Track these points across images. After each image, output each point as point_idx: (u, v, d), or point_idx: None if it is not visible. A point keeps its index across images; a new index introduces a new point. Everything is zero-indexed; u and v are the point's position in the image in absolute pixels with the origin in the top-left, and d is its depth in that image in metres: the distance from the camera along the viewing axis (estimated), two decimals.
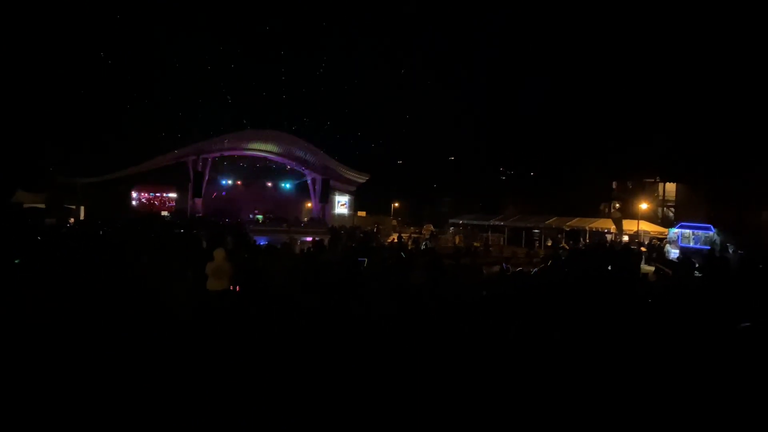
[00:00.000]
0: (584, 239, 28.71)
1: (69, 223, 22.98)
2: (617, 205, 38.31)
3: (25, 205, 27.94)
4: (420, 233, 33.23)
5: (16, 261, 9.56)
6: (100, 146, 33.85)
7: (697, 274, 10.19)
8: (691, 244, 22.32)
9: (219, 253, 7.73)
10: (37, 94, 34.44)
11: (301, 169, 38.16)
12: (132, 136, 33.84)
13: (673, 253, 22.10)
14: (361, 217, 40.35)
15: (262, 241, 18.04)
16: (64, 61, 35.64)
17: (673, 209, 37.40)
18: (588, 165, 38.30)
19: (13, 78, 33.13)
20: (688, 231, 23.10)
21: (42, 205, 28.22)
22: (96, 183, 31.93)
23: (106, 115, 36.65)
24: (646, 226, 29.04)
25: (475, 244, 24.90)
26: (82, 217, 28.61)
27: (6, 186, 30.22)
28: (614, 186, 42.25)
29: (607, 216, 33.92)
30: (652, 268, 13.46)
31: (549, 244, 29.92)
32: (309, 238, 19.30)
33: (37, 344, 5.01)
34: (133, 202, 35.93)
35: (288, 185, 41.41)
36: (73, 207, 29.50)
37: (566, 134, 46.73)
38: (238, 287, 8.08)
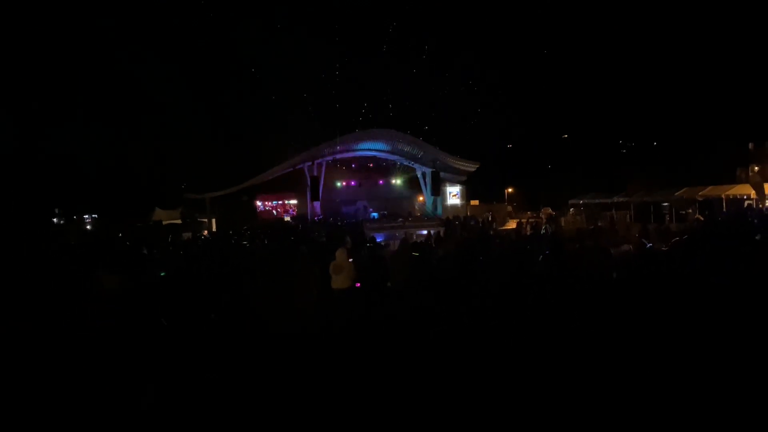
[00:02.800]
0: (723, 209, 26.33)
1: (203, 236, 24.91)
2: (756, 168, 34.71)
3: (164, 222, 30.66)
4: (538, 217, 32.21)
5: (162, 274, 10.44)
6: (223, 161, 36.39)
7: None
8: None
9: (340, 253, 8.00)
10: (164, 116, 37.64)
11: (410, 164, 38.44)
12: (251, 149, 36.05)
13: None
14: (474, 205, 39.86)
15: (380, 238, 18.42)
16: (182, 84, 38.61)
17: None
18: (717, 126, 35.15)
19: (142, 106, 36.46)
20: None
21: (178, 221, 30.84)
22: (223, 196, 34.32)
23: (229, 131, 39.31)
24: None
25: (599, 223, 23.64)
26: (213, 228, 30.85)
27: (146, 205, 33.40)
28: (751, 147, 38.36)
29: (745, 181, 30.79)
30: None
31: (683, 216, 27.76)
32: (424, 231, 19.39)
33: (184, 350, 5.42)
34: (258, 210, 38.17)
35: (399, 181, 41.92)
36: (205, 220, 31.92)
37: (689, 94, 43.11)
38: (359, 284, 8.28)
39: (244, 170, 35.21)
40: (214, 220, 32.35)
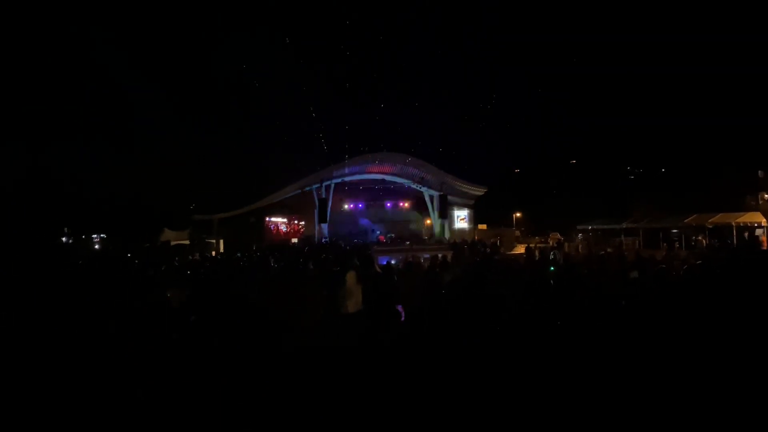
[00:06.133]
0: (734, 236, 26.20)
1: (212, 256, 24.88)
2: (766, 195, 34.53)
3: (173, 243, 30.75)
4: (546, 242, 32.09)
5: (168, 295, 10.39)
6: (231, 183, 36.61)
7: None
8: None
9: (350, 276, 7.95)
10: (175, 141, 38.03)
11: (418, 188, 38.52)
12: (259, 170, 36.28)
13: None
14: (482, 230, 39.80)
15: (384, 261, 18.30)
16: (193, 106, 39.05)
17: None
18: (727, 154, 35.13)
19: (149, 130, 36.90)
20: None
21: (186, 242, 30.93)
22: (231, 217, 34.43)
23: (237, 153, 39.61)
24: None
25: (608, 249, 23.50)
26: (221, 249, 30.88)
27: (154, 226, 33.55)
28: (760, 175, 38.22)
29: (755, 208, 30.60)
30: None
31: (693, 243, 27.64)
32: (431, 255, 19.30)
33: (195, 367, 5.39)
34: (266, 232, 38.20)
35: (407, 204, 41.95)
36: (213, 241, 31.97)
37: (698, 121, 43.18)
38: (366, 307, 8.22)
39: (252, 192, 35.39)
40: (221, 242, 32.39)
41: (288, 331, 7.26)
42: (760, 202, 33.73)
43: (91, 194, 35.58)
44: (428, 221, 40.25)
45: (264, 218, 37.61)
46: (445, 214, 37.13)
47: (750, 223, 27.35)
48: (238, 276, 12.24)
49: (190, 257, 23.63)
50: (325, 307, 7.61)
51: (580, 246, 28.94)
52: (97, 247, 34.12)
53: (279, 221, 38.39)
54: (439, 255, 17.13)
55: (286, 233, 38.56)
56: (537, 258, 16.17)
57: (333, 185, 36.40)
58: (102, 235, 36.45)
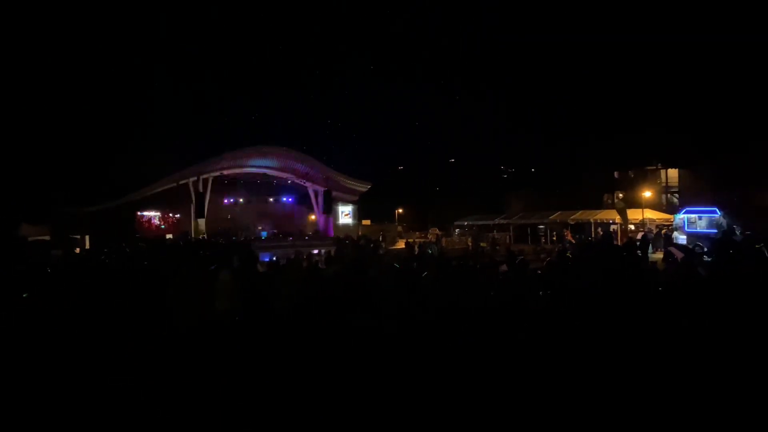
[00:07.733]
0: (592, 232, 28.65)
1: (75, 253, 23.00)
2: (620, 195, 38.14)
3: (31, 238, 27.96)
4: (426, 237, 33.17)
5: (24, 295, 9.50)
6: (101, 175, 33.97)
7: (706, 258, 10.16)
8: (698, 229, 22.27)
9: (224, 274, 7.71)
10: (35, 126, 34.64)
11: (302, 183, 38.18)
12: (133, 163, 34.01)
13: (681, 239, 22.06)
14: (366, 225, 40.32)
15: (267, 258, 17.98)
16: (62, 92, 35.86)
17: (677, 195, 37.30)
18: (588, 156, 38.38)
19: (12, 110, 33.41)
20: (693, 216, 23.04)
21: (47, 237, 28.28)
22: (99, 211, 31.99)
23: (106, 144, 36.83)
24: (651, 214, 28.94)
25: (482, 244, 24.79)
26: (87, 246, 28.61)
27: (10, 219, 30.31)
28: (616, 176, 42.16)
29: (611, 207, 33.75)
30: (661, 256, 13.40)
31: (554, 238, 29.91)
32: (315, 251, 19.24)
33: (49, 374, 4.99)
34: (137, 228, 35.93)
35: (290, 199, 41.44)
36: (78, 237, 29.49)
37: (563, 127, 46.80)
38: (243, 306, 8.02)
39: (124, 184, 33.15)
40: (88, 237, 29.97)
41: (157, 331, 6.91)
42: (615, 200, 37.21)
43: None
44: (312, 217, 40.05)
45: (137, 212, 35.35)
46: (329, 210, 37.14)
47: (606, 220, 30.05)
48: (103, 275, 11.43)
49: (52, 254, 21.69)
50: (196, 308, 7.32)
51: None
52: None
53: (153, 216, 36.25)
54: (323, 251, 17.15)
55: (161, 229, 36.52)
56: (416, 252, 16.65)
57: (211, 179, 35.06)
58: None
